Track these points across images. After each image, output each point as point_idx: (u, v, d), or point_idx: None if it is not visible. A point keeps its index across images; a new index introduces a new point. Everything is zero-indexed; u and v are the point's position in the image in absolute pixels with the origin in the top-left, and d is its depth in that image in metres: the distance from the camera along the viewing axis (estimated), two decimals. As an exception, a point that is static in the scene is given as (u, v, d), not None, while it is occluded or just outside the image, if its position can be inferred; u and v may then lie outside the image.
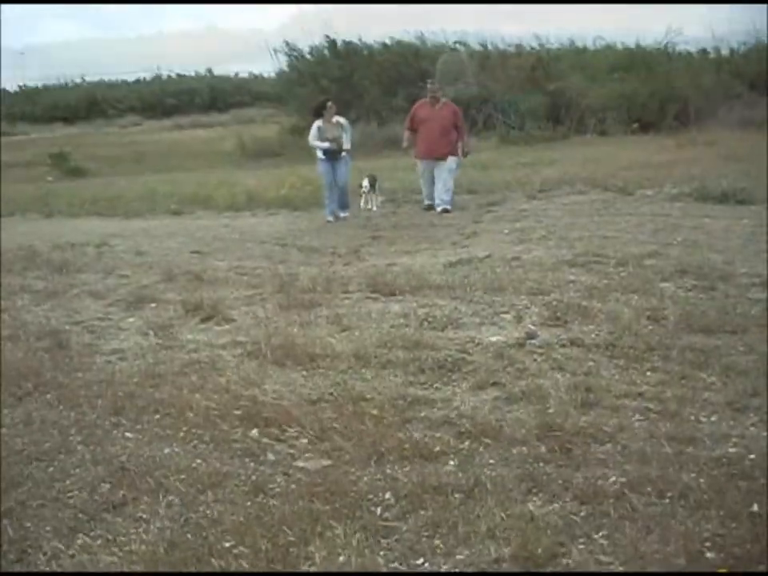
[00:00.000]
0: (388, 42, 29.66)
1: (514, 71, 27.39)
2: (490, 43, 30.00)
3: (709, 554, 3.28)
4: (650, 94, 25.35)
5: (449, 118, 13.20)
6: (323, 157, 12.98)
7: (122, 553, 3.61)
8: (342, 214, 13.07)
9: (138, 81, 59.27)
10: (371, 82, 27.36)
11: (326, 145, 12.87)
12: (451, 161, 13.14)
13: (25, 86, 58.34)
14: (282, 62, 31.58)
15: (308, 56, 29.98)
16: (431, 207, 13.21)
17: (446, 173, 13.07)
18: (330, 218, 12.89)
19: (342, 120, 13.18)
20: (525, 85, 26.59)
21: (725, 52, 28.58)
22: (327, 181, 13.04)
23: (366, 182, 13.78)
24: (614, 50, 29.24)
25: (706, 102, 24.95)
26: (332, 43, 29.24)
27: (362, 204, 13.87)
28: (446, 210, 12.89)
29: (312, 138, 13.07)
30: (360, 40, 29.61)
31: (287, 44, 30.24)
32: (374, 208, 13.85)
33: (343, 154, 12.98)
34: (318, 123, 12.98)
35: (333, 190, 12.98)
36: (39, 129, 46.65)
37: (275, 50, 30.91)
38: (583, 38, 30.56)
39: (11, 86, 58.70)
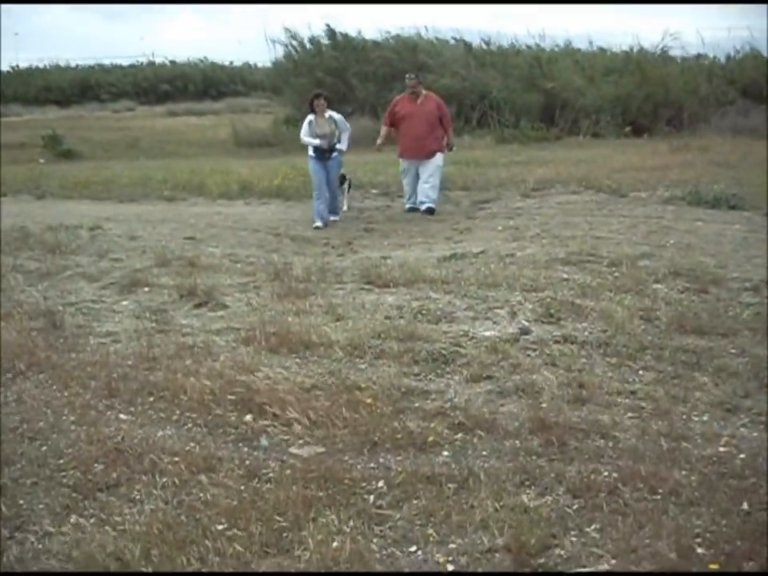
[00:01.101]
0: (386, 35, 29.59)
1: (511, 69, 27.39)
2: (487, 41, 30.00)
3: (699, 550, 3.33)
4: (645, 98, 25.40)
5: (433, 112, 12.28)
6: (313, 154, 11.96)
7: (116, 532, 3.62)
8: (332, 218, 11.91)
9: (132, 66, 58.99)
10: (367, 75, 27.29)
11: (316, 141, 11.80)
12: (438, 157, 12.35)
13: (18, 66, 58.00)
14: (279, 52, 31.48)
15: (307, 44, 29.82)
16: (414, 209, 12.33)
17: (433, 169, 12.27)
18: (319, 224, 11.54)
19: (335, 115, 12.00)
20: (521, 84, 26.58)
21: (720, 58, 28.64)
22: (316, 181, 11.93)
23: None
24: (610, 53, 29.26)
25: (699, 108, 25.02)
26: (331, 32, 29.13)
27: None
28: (429, 209, 12.13)
29: (303, 133, 12.04)
30: (359, 33, 29.55)
31: (288, 30, 30.11)
32: (345, 208, 12.72)
33: (335, 153, 11.93)
34: (310, 117, 11.94)
35: (322, 191, 11.85)
36: (32, 110, 46.38)
37: (273, 41, 30.80)
38: (580, 39, 30.64)
39: (4, 66, 58.37)
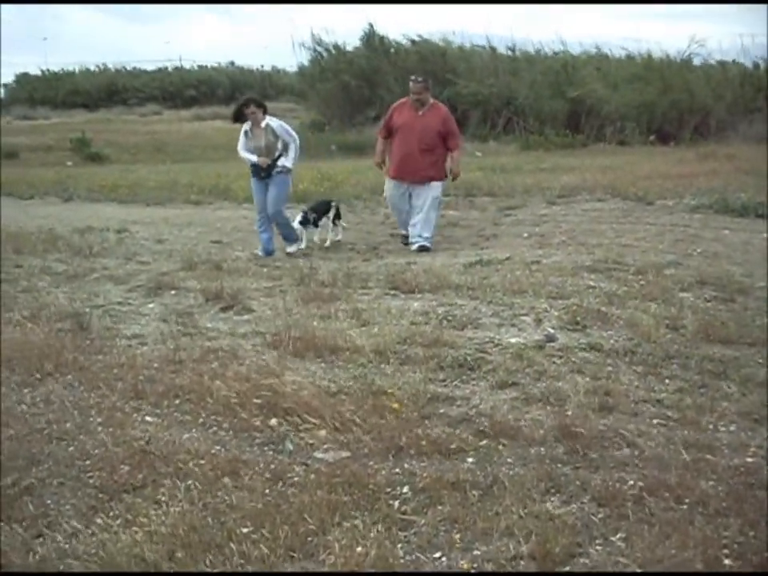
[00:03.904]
0: (414, 40, 29.66)
1: (537, 76, 27.37)
2: (513, 47, 30.02)
3: (727, 561, 3.30)
4: (670, 105, 25.31)
5: (434, 128, 10.05)
6: (251, 172, 10.12)
7: (142, 533, 3.63)
8: (288, 249, 9.99)
9: (159, 70, 59.36)
10: (396, 79, 27.29)
11: (254, 158, 9.84)
12: (435, 186, 10.18)
13: (48, 70, 58.53)
14: (305, 56, 31.72)
15: (332, 49, 29.91)
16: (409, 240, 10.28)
17: (427, 201, 10.09)
18: (260, 253, 9.84)
19: (273, 123, 9.91)
20: (547, 90, 26.56)
21: (747, 65, 28.42)
22: (257, 202, 10.10)
23: (299, 218, 10.27)
24: (635, 59, 29.16)
25: (726, 115, 24.90)
26: (370, 33, 29.14)
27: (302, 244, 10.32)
28: (423, 248, 9.95)
29: (240, 146, 10.00)
30: (386, 38, 29.62)
31: (315, 35, 30.28)
32: (339, 237, 10.73)
33: (277, 170, 9.83)
34: (245, 127, 9.92)
35: (263, 216, 9.98)
36: (59, 113, 46.89)
37: (301, 44, 30.98)
38: (606, 45, 30.57)
39: (34, 70, 58.93)
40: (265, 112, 9.90)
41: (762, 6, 28.14)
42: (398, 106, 10.45)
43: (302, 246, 10.26)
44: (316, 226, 10.43)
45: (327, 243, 10.50)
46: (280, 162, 9.83)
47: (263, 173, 9.85)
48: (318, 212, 10.48)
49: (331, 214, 10.66)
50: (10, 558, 3.49)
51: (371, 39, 29.26)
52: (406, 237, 10.37)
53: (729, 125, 24.31)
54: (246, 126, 9.88)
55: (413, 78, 10.44)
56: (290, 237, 10.07)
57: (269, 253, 9.86)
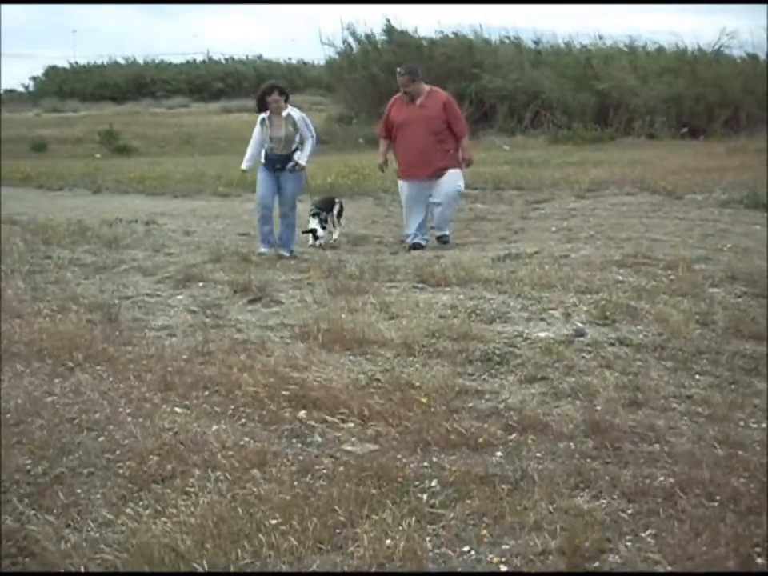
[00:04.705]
0: (442, 34, 29.66)
1: (564, 69, 27.24)
2: (540, 40, 29.92)
3: (759, 560, 3.26)
4: (700, 99, 25.12)
5: (437, 116, 9.53)
6: (263, 162, 9.55)
7: (172, 524, 3.64)
8: (283, 252, 9.34)
9: (187, 63, 59.63)
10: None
11: (246, 157, 9.57)
12: (454, 176, 9.75)
13: (76, 63, 58.97)
14: (331, 51, 31.79)
15: (363, 40, 29.93)
16: (418, 246, 9.71)
17: (450, 192, 9.75)
18: (264, 249, 9.38)
19: (295, 114, 9.34)
20: (574, 84, 26.43)
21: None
22: (259, 196, 9.60)
23: (317, 224, 10.02)
24: (666, 52, 28.96)
25: (757, 109, 24.68)
26: (390, 28, 29.16)
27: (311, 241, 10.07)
28: (443, 237, 9.93)
29: (254, 137, 9.49)
30: (414, 31, 29.64)
31: (347, 27, 30.31)
32: (335, 236, 10.42)
33: (290, 165, 9.35)
34: (263, 115, 9.34)
35: (266, 210, 9.54)
36: (88, 106, 47.24)
37: (326, 42, 31.04)
38: (639, 38, 30.42)
39: (63, 63, 59.47)
40: (287, 100, 9.39)
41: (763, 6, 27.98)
42: (394, 103, 9.94)
43: (334, 237, 10.38)
44: (326, 222, 10.27)
45: (335, 236, 10.41)
46: (295, 157, 9.35)
47: (278, 165, 9.35)
48: (323, 209, 10.25)
49: (335, 211, 10.48)
50: (43, 545, 3.51)
51: (391, 34, 29.27)
52: (416, 245, 9.76)
53: (759, 119, 24.09)
54: (264, 114, 9.32)
55: (398, 70, 10.02)
56: (289, 241, 9.51)
57: (271, 245, 9.49)
